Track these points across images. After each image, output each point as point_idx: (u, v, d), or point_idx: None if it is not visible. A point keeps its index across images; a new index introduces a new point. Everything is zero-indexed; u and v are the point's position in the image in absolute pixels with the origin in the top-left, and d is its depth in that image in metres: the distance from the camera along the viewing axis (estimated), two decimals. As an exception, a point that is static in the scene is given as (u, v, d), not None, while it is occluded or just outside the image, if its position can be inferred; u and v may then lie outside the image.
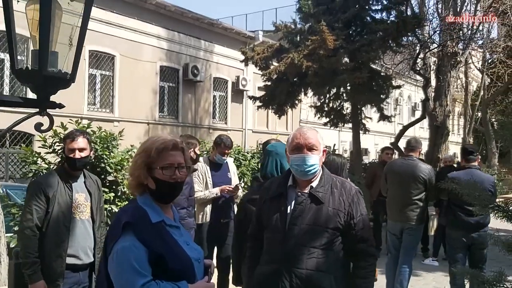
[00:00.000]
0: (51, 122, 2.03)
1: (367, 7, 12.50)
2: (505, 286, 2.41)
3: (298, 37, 12.74)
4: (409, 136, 11.59)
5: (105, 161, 4.96)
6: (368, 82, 11.64)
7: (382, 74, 13.59)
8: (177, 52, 16.39)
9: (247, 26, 22.50)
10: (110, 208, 4.82)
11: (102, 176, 4.91)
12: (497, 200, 3.17)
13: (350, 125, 13.83)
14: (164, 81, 16.15)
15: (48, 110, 2.02)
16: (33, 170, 4.85)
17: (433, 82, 14.75)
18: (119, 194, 5.07)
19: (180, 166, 1.94)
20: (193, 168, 4.81)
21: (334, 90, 13.13)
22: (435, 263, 7.84)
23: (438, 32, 14.88)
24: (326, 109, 13.60)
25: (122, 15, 14.24)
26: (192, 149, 4.71)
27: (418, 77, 19.87)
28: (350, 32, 12.39)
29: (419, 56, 14.41)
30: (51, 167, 4.67)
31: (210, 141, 8.14)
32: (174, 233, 1.92)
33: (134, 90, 14.65)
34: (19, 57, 2.02)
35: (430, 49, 14.80)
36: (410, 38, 14.19)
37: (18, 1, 2.05)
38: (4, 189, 5.83)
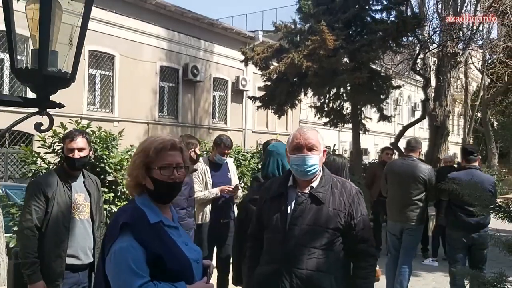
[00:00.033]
0: (51, 122, 2.02)
1: (367, 7, 12.50)
2: (506, 287, 2.41)
3: (298, 37, 12.74)
4: (409, 136, 11.60)
5: (105, 161, 4.96)
6: (368, 82, 11.64)
7: (382, 74, 13.59)
8: (177, 52, 16.39)
9: (247, 26, 22.54)
10: (109, 208, 4.82)
11: (102, 176, 4.90)
12: (497, 200, 3.16)
13: (350, 125, 13.83)
14: (164, 81, 16.15)
15: (48, 110, 2.01)
16: (33, 170, 4.85)
17: (433, 82, 14.75)
18: (118, 194, 5.06)
19: (178, 166, 1.93)
20: (193, 169, 4.80)
21: (334, 90, 13.13)
22: (435, 263, 7.84)
23: (438, 32, 14.89)
24: (326, 109, 13.60)
25: (122, 15, 14.24)
26: (193, 149, 4.70)
27: (418, 77, 19.87)
28: (350, 32, 12.39)
29: (419, 56, 14.41)
30: (51, 167, 4.66)
31: (209, 141, 8.14)
32: (172, 233, 1.91)
33: (134, 90, 14.65)
34: (18, 57, 2.01)
35: (430, 49, 14.80)
36: (410, 38, 14.18)
37: (18, 1, 2.04)
38: (4, 189, 5.83)
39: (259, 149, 10.29)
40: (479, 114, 24.62)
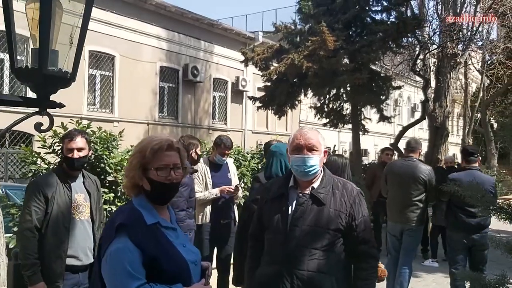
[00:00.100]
0: (51, 122, 2.01)
1: (367, 8, 12.48)
2: (507, 288, 2.40)
3: (298, 38, 12.72)
4: (408, 137, 11.58)
5: (105, 161, 4.96)
6: (368, 83, 11.63)
7: (382, 75, 13.58)
8: (177, 52, 16.38)
9: (247, 27, 22.54)
10: (110, 209, 4.82)
11: (102, 177, 4.90)
12: (497, 201, 3.15)
13: (349, 126, 13.81)
14: (164, 82, 16.14)
15: (48, 109, 2.00)
16: (33, 170, 4.84)
17: (433, 83, 14.74)
18: (118, 194, 5.06)
19: (175, 166, 1.91)
20: (194, 170, 4.79)
21: (334, 91, 13.11)
22: (435, 264, 7.83)
23: (438, 33, 14.88)
24: (326, 109, 13.58)
25: (122, 15, 14.23)
26: (194, 150, 4.69)
27: (417, 78, 19.85)
28: (350, 33, 12.38)
29: (419, 57, 14.39)
30: (51, 167, 4.65)
31: (209, 141, 8.13)
32: (170, 235, 1.89)
33: (134, 91, 14.64)
34: (19, 57, 2.00)
35: (430, 50, 14.78)
36: (410, 39, 14.17)
37: (17, 0, 2.04)
38: (4, 190, 5.81)
39: (259, 149, 10.27)
40: (479, 115, 24.63)
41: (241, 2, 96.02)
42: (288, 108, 13.51)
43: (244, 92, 18.66)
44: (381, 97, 12.91)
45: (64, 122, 4.62)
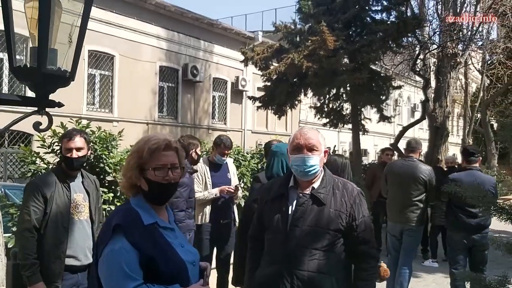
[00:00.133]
0: (50, 121, 2.00)
1: (367, 7, 12.47)
2: (508, 289, 2.39)
3: (298, 38, 12.71)
4: (408, 137, 11.57)
5: (104, 161, 4.95)
6: (368, 83, 11.61)
7: (382, 75, 13.57)
8: (176, 52, 16.36)
9: (247, 27, 22.51)
10: (109, 209, 4.80)
11: (101, 176, 4.89)
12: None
13: (349, 126, 13.80)
14: (164, 81, 16.13)
15: (47, 109, 1.99)
16: (32, 170, 4.83)
17: (433, 83, 14.73)
18: (118, 194, 5.05)
19: (173, 166, 1.89)
20: (194, 170, 4.77)
21: (334, 91, 13.10)
22: (435, 264, 7.83)
23: (438, 33, 14.87)
24: (325, 109, 13.57)
25: (122, 15, 14.22)
26: (194, 150, 4.68)
27: (417, 78, 19.84)
28: (350, 32, 12.37)
29: (419, 57, 14.38)
30: (50, 167, 4.64)
31: (209, 141, 8.12)
32: (168, 235, 1.88)
33: (134, 90, 14.63)
34: (18, 57, 1.99)
35: (430, 50, 14.78)
36: (410, 39, 14.16)
37: (16, -1, 2.02)
38: (3, 189, 5.80)
39: (259, 149, 10.26)
40: (479, 115, 24.62)
41: (240, 2, 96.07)
42: (288, 108, 13.50)
43: (244, 92, 18.65)
44: (381, 97, 12.90)
45: (64, 122, 4.61)
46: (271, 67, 12.27)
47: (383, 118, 13.64)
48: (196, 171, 4.86)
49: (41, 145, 4.80)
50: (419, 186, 5.43)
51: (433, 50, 14.76)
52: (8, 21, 1.91)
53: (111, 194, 4.96)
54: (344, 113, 13.57)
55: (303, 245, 2.40)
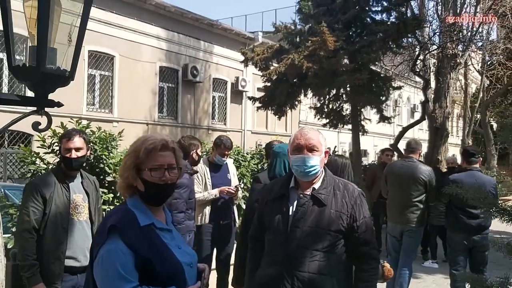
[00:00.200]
0: (49, 121, 1.99)
1: (367, 8, 12.46)
2: (510, 290, 2.38)
3: (298, 38, 12.70)
4: (408, 137, 11.57)
5: (104, 161, 4.94)
6: (368, 84, 11.61)
7: (382, 75, 13.55)
8: (176, 52, 16.36)
9: (247, 27, 22.49)
10: (109, 209, 4.78)
11: (101, 177, 4.88)
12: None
13: (349, 126, 13.79)
14: (164, 82, 16.12)
15: (46, 109, 1.97)
16: (32, 170, 4.82)
17: (433, 84, 14.71)
18: (118, 195, 5.03)
19: (170, 167, 1.87)
20: (194, 170, 4.76)
21: (334, 91, 13.08)
22: (435, 265, 7.82)
23: (438, 33, 14.86)
24: (325, 110, 13.56)
25: (122, 15, 14.21)
26: (194, 151, 4.66)
27: (417, 79, 19.83)
28: (350, 33, 12.36)
29: (419, 58, 14.37)
30: (50, 167, 4.63)
31: (209, 142, 8.10)
32: (164, 236, 1.86)
33: (134, 91, 14.62)
34: (17, 57, 1.97)
35: (430, 50, 14.76)
36: (410, 39, 14.15)
37: (16, -2, 2.01)
38: (2, 190, 5.78)
39: (259, 150, 10.23)
40: (479, 116, 24.61)
41: (240, 2, 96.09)
42: (288, 108, 13.48)
43: (244, 92, 18.64)
44: (381, 97, 12.89)
45: (64, 122, 4.60)
46: (271, 68, 12.26)
47: (383, 118, 13.63)
48: (197, 172, 4.84)
49: (41, 145, 4.78)
50: (419, 187, 5.43)
51: (433, 50, 14.74)
52: (7, 19, 1.89)
53: (111, 195, 4.95)
54: (344, 114, 13.57)
55: (304, 246, 2.39)
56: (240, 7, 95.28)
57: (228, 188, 4.94)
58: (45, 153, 4.86)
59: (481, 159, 5.57)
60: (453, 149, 24.24)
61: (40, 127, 1.97)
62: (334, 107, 13.54)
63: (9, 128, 2.06)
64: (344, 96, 13.19)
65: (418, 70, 14.60)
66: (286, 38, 12.85)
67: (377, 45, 11.54)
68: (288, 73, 11.62)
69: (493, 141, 22.54)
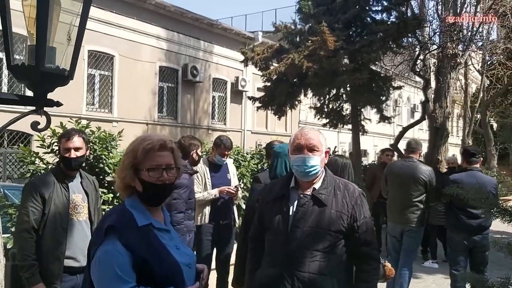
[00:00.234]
0: (48, 120, 1.98)
1: (367, 8, 12.44)
2: (511, 290, 2.37)
3: (298, 38, 12.68)
4: (408, 137, 11.56)
5: (104, 161, 4.93)
6: (368, 83, 11.59)
7: (382, 75, 13.54)
8: (176, 52, 16.35)
9: (247, 27, 22.48)
10: (108, 209, 4.77)
11: (101, 177, 4.87)
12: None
13: (349, 126, 13.79)
14: (163, 82, 16.11)
15: (45, 108, 1.96)
16: (31, 170, 4.81)
17: (433, 84, 14.70)
18: (117, 195, 5.02)
19: (168, 167, 1.86)
20: (194, 171, 4.75)
21: (334, 91, 13.08)
22: (435, 265, 7.81)
23: (438, 33, 14.85)
24: (325, 110, 13.55)
25: (121, 15, 14.20)
26: (194, 151, 4.65)
27: (417, 79, 19.81)
28: (350, 33, 12.34)
29: (419, 58, 14.37)
30: (49, 167, 4.62)
31: (209, 141, 8.09)
32: (163, 237, 1.85)
33: (133, 91, 14.61)
34: (17, 57, 1.97)
35: (430, 50, 14.75)
36: (410, 39, 14.15)
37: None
38: (2, 190, 5.78)
39: (259, 150, 10.23)
40: (479, 116, 24.60)
41: (240, 2, 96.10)
42: (288, 108, 13.47)
43: (244, 92, 18.63)
44: (381, 97, 12.88)
45: (63, 122, 4.59)
46: (271, 67, 12.25)
47: (383, 118, 13.62)
48: (196, 172, 4.83)
49: (40, 145, 4.78)
50: (419, 187, 5.42)
51: (433, 50, 14.73)
52: (5, 18, 1.88)
53: (111, 195, 4.94)
54: (344, 114, 13.56)
55: (304, 246, 2.38)
56: (240, 6, 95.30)
57: (228, 188, 4.93)
58: (45, 153, 4.85)
59: (482, 159, 5.56)
60: (453, 149, 24.23)
61: (39, 126, 1.96)
62: (334, 107, 13.53)
63: (8, 128, 2.04)
64: (344, 96, 13.18)
65: (418, 70, 14.59)
66: (286, 38, 12.84)
67: (377, 44, 11.52)
68: (288, 73, 11.60)
69: (493, 141, 22.53)
